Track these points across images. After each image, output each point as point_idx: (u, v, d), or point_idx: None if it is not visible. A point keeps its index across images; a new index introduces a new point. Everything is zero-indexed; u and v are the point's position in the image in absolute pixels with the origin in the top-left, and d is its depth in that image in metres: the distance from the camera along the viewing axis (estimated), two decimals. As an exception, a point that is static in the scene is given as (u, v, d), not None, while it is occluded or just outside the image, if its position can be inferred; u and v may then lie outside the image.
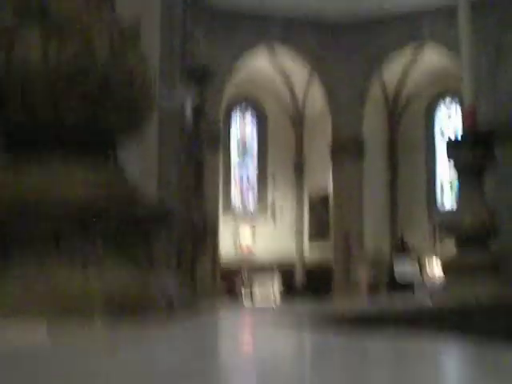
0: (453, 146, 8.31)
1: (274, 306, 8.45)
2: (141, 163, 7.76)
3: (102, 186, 2.87)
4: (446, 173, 25.22)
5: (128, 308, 2.72)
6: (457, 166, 8.42)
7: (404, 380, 1.38)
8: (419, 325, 3.51)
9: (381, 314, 4.02)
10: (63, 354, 1.84)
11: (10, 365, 1.61)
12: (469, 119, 8.68)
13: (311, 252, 26.49)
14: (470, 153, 8.14)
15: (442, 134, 25.57)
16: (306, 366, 1.69)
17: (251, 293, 23.51)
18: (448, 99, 26.16)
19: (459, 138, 8.35)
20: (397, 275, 20.93)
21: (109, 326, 2.56)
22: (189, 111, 10.44)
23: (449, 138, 8.60)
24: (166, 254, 8.46)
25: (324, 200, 25.44)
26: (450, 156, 8.43)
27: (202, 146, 12.51)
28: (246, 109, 27.67)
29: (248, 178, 27.71)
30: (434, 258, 21.99)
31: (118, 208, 2.74)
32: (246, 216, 26.67)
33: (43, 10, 2.95)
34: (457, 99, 25.04)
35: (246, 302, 17.95)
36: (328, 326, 2.82)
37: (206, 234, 11.86)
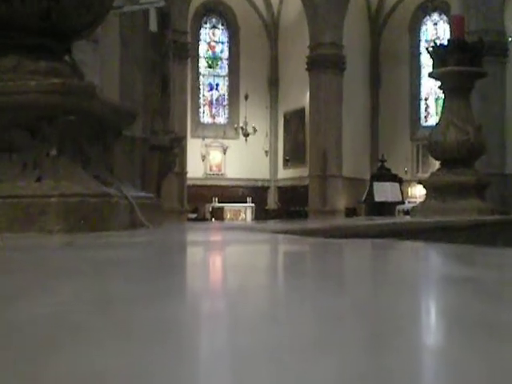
0: (438, 56, 8.27)
1: (243, 224, 8.55)
2: (101, 69, 7.67)
3: (57, 90, 2.84)
4: (431, 89, 25.22)
5: (87, 220, 2.73)
6: (442, 79, 8.41)
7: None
8: (399, 238, 3.58)
9: (356, 229, 4.08)
10: (19, 249, 1.87)
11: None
12: (457, 28, 8.63)
13: (285, 173, 26.62)
14: (456, 64, 8.12)
15: (428, 46, 25.49)
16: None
17: (221, 215, 23.69)
18: (435, 9, 25.96)
19: (445, 44, 8.29)
20: (376, 198, 21.11)
21: (66, 234, 2.58)
22: (153, 17, 10.24)
23: (434, 45, 8.53)
24: (128, 170, 8.44)
25: (300, 118, 25.41)
26: (435, 69, 8.39)
27: (168, 57, 12.33)
28: (216, 19, 27.30)
29: (219, 95, 27.56)
30: (417, 180, 22.20)
31: (75, 103, 2.72)
32: (216, 135, 26.63)
33: None
34: (444, 10, 24.89)
35: (215, 222, 18.10)
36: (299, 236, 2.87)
37: (173, 152, 11.80)
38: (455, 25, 8.73)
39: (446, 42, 8.42)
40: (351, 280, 1.21)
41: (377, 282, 1.17)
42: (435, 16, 26.14)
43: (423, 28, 26.50)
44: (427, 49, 8.84)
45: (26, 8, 2.94)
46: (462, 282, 1.11)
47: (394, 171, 22.25)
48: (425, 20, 26.42)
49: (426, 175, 10.41)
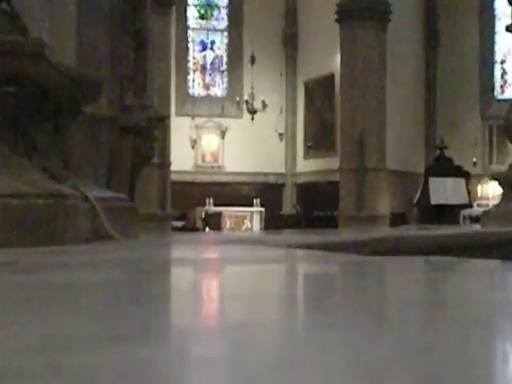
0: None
1: (248, 235, 8.53)
2: (51, 21, 7.65)
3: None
4: (508, 48, 25.16)
5: (33, 230, 2.74)
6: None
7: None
8: (465, 255, 3.57)
9: (405, 242, 4.07)
10: None
11: None
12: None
13: (307, 166, 26.59)
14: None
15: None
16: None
17: (218, 222, 23.67)
18: None
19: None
20: (433, 200, 21.09)
21: (3, 250, 2.59)
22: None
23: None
24: (90, 160, 8.44)
25: (327, 89, 25.38)
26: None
27: (144, 5, 12.35)
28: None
29: (214, 57, 27.57)
30: (489, 174, 22.16)
31: (16, 67, 2.72)
32: (211, 112, 26.62)
33: None
34: None
35: (209, 232, 18.09)
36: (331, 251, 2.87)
37: (152, 136, 11.84)
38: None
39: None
40: (396, 316, 1.21)
41: (434, 320, 1.16)
42: None
43: (498, -37, 26.49)
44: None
45: None
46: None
47: (457, 162, 22.23)
48: (500, -47, 26.42)
49: (503, 167, 10.38)
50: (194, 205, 24.31)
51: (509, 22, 8.54)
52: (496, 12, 25.72)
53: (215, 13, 27.57)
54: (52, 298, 1.35)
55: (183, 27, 26.26)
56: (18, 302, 1.29)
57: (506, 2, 8.49)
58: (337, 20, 23.34)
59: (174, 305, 1.36)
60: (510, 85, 25.71)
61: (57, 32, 7.84)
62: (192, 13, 27.16)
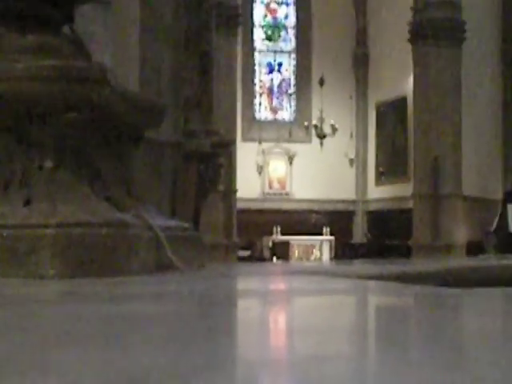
0: None
1: (317, 266, 8.53)
2: (114, 45, 7.75)
3: (53, 76, 2.89)
4: None
5: (94, 260, 2.77)
6: None
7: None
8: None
9: (484, 272, 4.05)
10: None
11: None
12: None
13: (379, 192, 26.52)
14: None
15: None
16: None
17: (285, 251, 23.66)
18: None
19: None
20: (512, 226, 20.92)
21: (64, 280, 2.61)
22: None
23: None
24: (154, 188, 8.51)
25: (400, 112, 25.33)
26: None
27: (209, 27, 12.45)
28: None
29: (282, 80, 27.65)
30: None
31: (79, 94, 2.76)
32: (279, 137, 26.67)
33: None
34: None
35: (277, 263, 18.07)
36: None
37: (218, 162, 11.89)
38: None
39: None
40: (474, 351, 1.21)
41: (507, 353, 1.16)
42: None
43: None
44: None
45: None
46: None
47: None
48: None
49: None
50: (261, 233, 24.34)
51: None
52: None
53: (282, 34, 27.66)
54: (112, 332, 1.37)
55: (249, 49, 26.39)
56: (75, 336, 1.31)
57: None
58: (409, 40, 23.30)
59: (239, 338, 1.37)
60: None
61: (120, 56, 7.93)
62: (258, 34, 27.28)
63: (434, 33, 22.78)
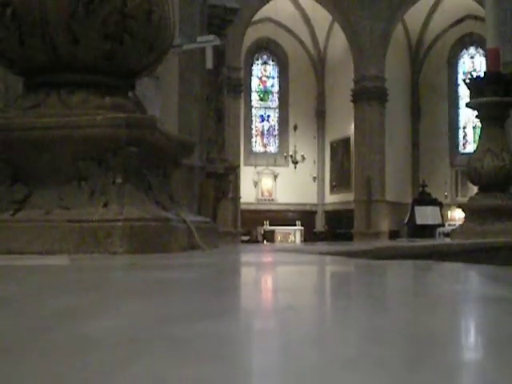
0: (475, 87, 8.21)
1: (292, 246, 8.54)
2: (161, 103, 7.77)
3: (121, 124, 2.88)
4: (469, 118, 24.96)
5: (149, 243, 2.76)
6: (478, 109, 8.34)
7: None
8: (438, 260, 3.55)
9: (399, 250, 4.05)
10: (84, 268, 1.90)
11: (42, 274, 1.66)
12: (492, 61, 8.54)
13: (332, 198, 26.53)
14: (492, 95, 8.05)
15: (465, 78, 25.21)
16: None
17: (272, 237, 23.67)
18: (472, 43, 25.75)
19: (481, 76, 8.24)
20: (418, 221, 20.93)
21: (129, 255, 2.61)
22: (209, 56, 10.35)
23: (471, 77, 8.49)
24: (187, 195, 8.50)
25: (345, 147, 25.36)
26: (472, 100, 8.34)
27: (223, 91, 12.43)
28: (267, 55, 27.49)
29: (269, 126, 27.67)
30: (456, 204, 21.94)
31: (138, 135, 2.76)
32: (267, 163, 26.70)
33: None
34: (481, 44, 24.68)
35: (267, 245, 18.11)
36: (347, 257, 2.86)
37: (228, 179, 11.85)
38: (491, 57, 8.63)
39: (482, 74, 8.36)
40: (392, 301, 1.21)
41: (416, 303, 1.16)
42: (472, 49, 25.94)
43: (461, 61, 26.31)
44: (464, 81, 8.78)
45: (92, 49, 3.00)
46: (497, 302, 1.10)
47: (434, 196, 22.05)
48: (462, 54, 26.24)
49: (465, 199, 10.29)
50: (256, 225, 24.34)
51: (468, 100, 8.49)
52: (459, 93, 25.57)
53: (270, 96, 27.70)
54: (160, 289, 1.36)
55: (248, 106, 26.42)
56: (136, 292, 1.31)
57: (466, 86, 8.45)
58: (352, 100, 23.39)
59: (242, 293, 1.36)
60: (469, 143, 25.47)
61: (165, 111, 7.96)
62: (254, 96, 27.33)
63: (368, 96, 22.90)
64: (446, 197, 24.13)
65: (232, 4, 12.17)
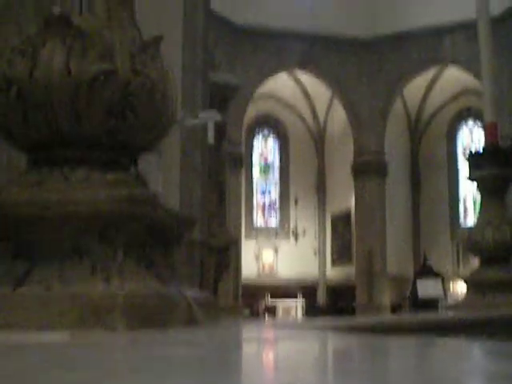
0: (474, 161, 8.30)
1: (294, 321, 8.46)
2: (163, 178, 7.81)
3: (123, 200, 2.91)
4: (468, 190, 25.05)
5: (149, 319, 2.75)
6: (478, 182, 8.41)
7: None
8: (440, 334, 3.51)
9: (400, 324, 4.02)
10: (84, 348, 1.88)
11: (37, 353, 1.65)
12: (490, 135, 8.66)
13: (334, 272, 26.41)
14: (491, 169, 8.13)
15: (464, 151, 25.46)
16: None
17: (273, 311, 23.47)
18: (470, 117, 26.06)
19: (480, 151, 8.35)
20: (420, 295, 20.82)
21: (129, 331, 2.59)
22: (211, 131, 10.48)
23: (470, 152, 8.60)
24: (188, 269, 8.47)
25: (346, 220, 25.38)
26: (471, 173, 8.42)
27: (224, 166, 12.54)
28: (268, 130, 27.78)
29: (270, 200, 27.76)
30: (458, 276, 21.85)
31: (140, 212, 2.78)
32: (269, 236, 26.68)
33: (66, 23, 3.00)
34: (479, 117, 24.98)
35: (268, 320, 17.93)
36: (349, 333, 2.84)
37: (229, 253, 11.83)
38: (489, 131, 8.76)
39: (481, 147, 8.46)
40: (394, 379, 1.20)
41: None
42: (470, 123, 26.25)
43: (459, 134, 26.57)
44: (464, 154, 8.91)
45: (94, 126, 3.04)
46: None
47: (435, 268, 21.99)
48: (461, 127, 26.53)
49: (467, 271, 10.24)
50: (258, 298, 24.17)
51: (467, 173, 8.58)
52: (459, 166, 25.73)
53: (270, 171, 27.87)
54: (160, 367, 1.35)
55: (249, 180, 26.55)
56: (137, 370, 1.30)
57: (466, 160, 8.55)
58: (352, 174, 23.55)
59: (245, 369, 1.36)
60: (470, 215, 25.51)
61: (167, 186, 8.01)
62: (255, 171, 27.49)
63: (368, 170, 23.07)
64: (447, 270, 24.03)
65: (233, 81, 12.38)
